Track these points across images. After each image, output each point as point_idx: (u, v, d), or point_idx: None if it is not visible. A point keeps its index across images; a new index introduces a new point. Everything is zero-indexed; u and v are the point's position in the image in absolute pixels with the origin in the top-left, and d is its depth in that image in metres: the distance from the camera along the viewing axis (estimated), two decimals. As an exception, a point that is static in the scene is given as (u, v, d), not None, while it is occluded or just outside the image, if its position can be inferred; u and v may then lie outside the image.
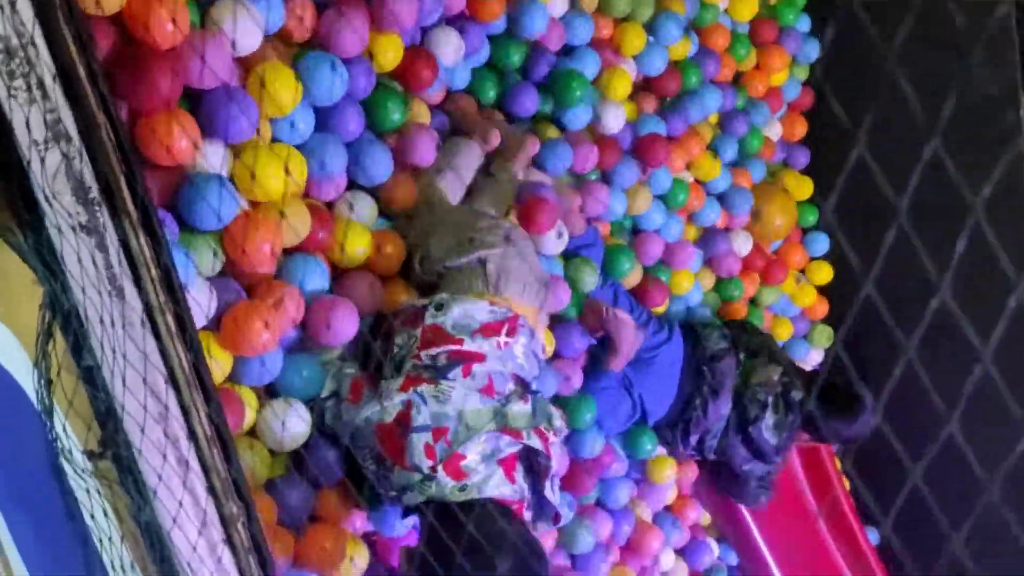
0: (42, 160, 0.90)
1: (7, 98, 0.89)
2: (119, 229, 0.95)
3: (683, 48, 2.19)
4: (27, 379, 1.06)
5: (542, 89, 1.93)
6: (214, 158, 1.32)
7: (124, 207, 0.95)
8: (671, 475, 2.21)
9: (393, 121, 1.62)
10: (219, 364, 1.31)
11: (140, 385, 0.99)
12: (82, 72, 0.91)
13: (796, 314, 2.65)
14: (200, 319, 1.29)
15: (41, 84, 0.89)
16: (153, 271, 0.97)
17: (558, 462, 1.49)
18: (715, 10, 2.28)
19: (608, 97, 2.02)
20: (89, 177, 0.93)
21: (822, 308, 2.69)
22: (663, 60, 2.14)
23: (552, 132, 1.94)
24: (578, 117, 1.97)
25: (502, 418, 1.36)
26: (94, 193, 0.93)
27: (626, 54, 2.08)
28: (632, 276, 2.09)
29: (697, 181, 2.28)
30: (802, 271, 2.66)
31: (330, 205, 1.54)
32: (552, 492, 1.43)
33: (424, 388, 1.35)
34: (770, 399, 2.14)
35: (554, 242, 1.81)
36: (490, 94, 1.87)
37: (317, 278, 1.46)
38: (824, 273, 2.67)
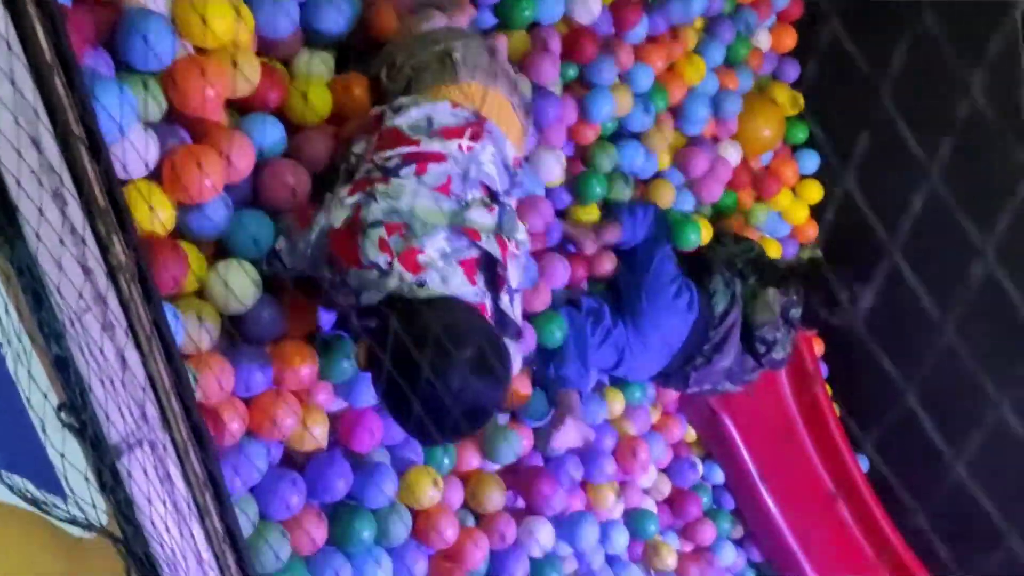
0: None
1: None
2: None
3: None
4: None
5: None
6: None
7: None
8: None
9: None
10: (160, 215, 1.25)
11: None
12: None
13: (786, 234, 2.59)
14: (139, 167, 1.24)
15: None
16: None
17: (518, 278, 1.40)
18: None
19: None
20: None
21: (812, 229, 2.63)
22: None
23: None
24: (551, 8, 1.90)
25: (460, 219, 1.28)
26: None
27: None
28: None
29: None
30: (792, 189, 2.60)
31: (287, 64, 1.49)
32: (510, 306, 1.35)
33: (373, 188, 1.28)
34: (778, 335, 2.12)
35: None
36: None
37: (272, 137, 1.40)
38: (814, 192, 2.61)
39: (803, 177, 2.61)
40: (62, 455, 0.95)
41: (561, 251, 1.94)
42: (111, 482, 0.92)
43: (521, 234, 1.39)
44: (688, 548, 2.39)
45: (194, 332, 1.27)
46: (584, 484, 2.02)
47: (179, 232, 1.34)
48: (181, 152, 1.26)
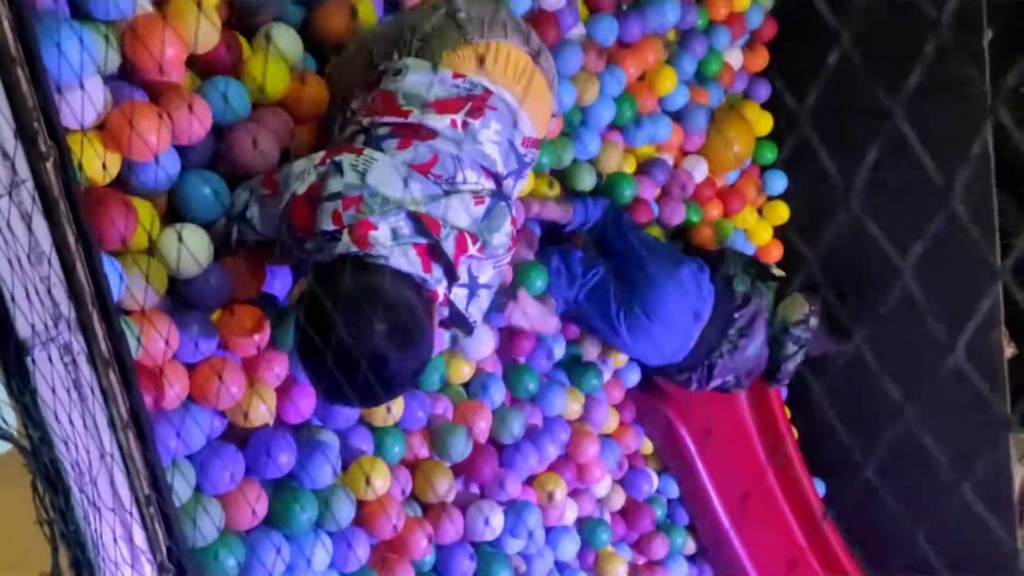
0: None
1: None
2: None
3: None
4: None
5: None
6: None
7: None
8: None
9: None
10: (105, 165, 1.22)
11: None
12: None
13: (750, 254, 2.60)
14: (90, 113, 1.22)
15: None
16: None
17: (489, 276, 1.35)
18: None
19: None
20: None
21: (776, 251, 2.64)
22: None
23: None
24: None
25: (428, 206, 1.23)
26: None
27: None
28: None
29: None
30: (759, 210, 2.62)
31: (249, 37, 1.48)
32: (465, 301, 1.32)
33: (343, 157, 1.24)
34: (808, 336, 2.13)
35: None
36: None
37: (235, 100, 1.38)
38: (780, 213, 2.63)
39: (770, 198, 2.63)
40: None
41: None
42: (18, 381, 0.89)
43: (500, 236, 1.31)
44: (640, 561, 2.36)
45: (138, 290, 1.24)
46: (534, 479, 1.99)
47: (130, 189, 1.32)
48: (127, 107, 1.24)
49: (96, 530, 1.00)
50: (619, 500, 2.28)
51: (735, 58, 2.50)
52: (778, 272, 2.32)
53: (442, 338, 1.73)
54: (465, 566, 1.77)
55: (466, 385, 1.90)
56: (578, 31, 2.05)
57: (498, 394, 1.90)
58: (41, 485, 0.92)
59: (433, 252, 1.24)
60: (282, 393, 1.52)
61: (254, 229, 1.32)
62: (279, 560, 1.47)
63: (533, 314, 1.87)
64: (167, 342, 1.22)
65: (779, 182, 2.62)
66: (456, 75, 1.34)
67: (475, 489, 1.87)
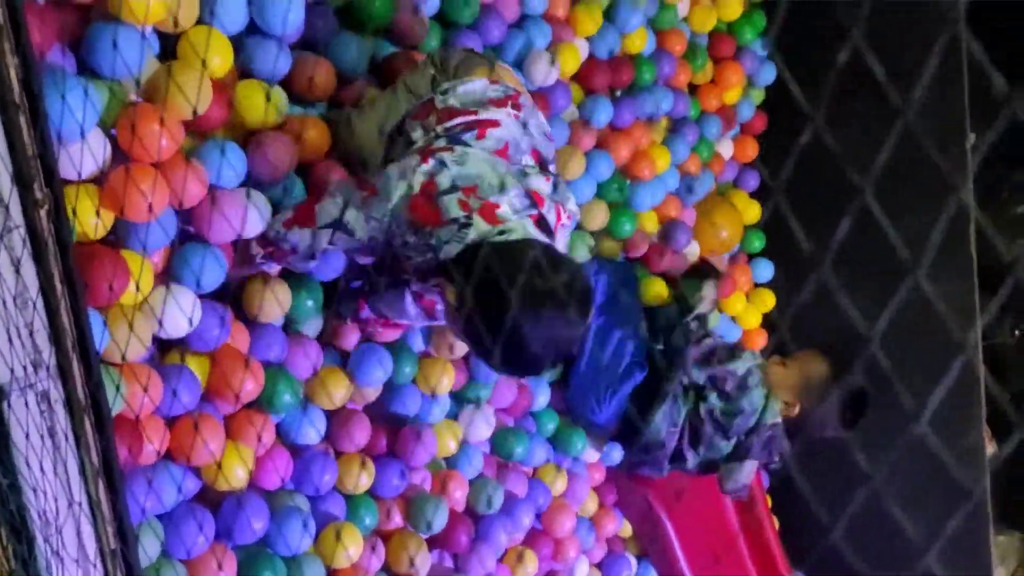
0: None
1: None
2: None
3: (639, 40, 2.21)
4: None
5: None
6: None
7: None
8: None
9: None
10: (98, 221, 1.23)
11: None
12: None
13: (736, 339, 2.62)
14: (90, 166, 1.23)
15: None
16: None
17: (564, 247, 1.44)
18: (673, 12, 2.32)
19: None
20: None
21: (760, 338, 2.66)
22: (616, 43, 2.15)
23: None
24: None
25: (525, 180, 1.34)
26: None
27: (580, 34, 2.09)
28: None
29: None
30: (746, 295, 2.65)
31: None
32: None
33: (442, 155, 1.32)
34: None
35: None
36: (432, 43, 1.85)
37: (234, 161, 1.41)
38: (768, 300, 2.65)
39: (757, 285, 2.66)
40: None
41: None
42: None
43: (572, 204, 1.45)
44: (617, 648, 2.30)
45: (124, 341, 1.24)
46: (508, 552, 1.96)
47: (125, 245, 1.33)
48: (123, 171, 1.26)
49: (58, 583, 0.97)
50: (596, 584, 2.24)
51: (725, 148, 2.56)
52: None
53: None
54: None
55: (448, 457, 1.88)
56: (570, 112, 2.10)
57: (478, 462, 1.88)
58: (5, 533, 0.90)
59: (541, 223, 1.32)
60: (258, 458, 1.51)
61: (350, 234, 1.34)
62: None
63: None
64: (146, 390, 1.22)
65: (766, 270, 2.65)
66: (492, 80, 1.50)
67: (448, 561, 1.84)
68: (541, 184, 1.36)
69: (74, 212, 1.07)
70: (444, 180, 1.28)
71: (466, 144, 1.36)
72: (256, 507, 1.47)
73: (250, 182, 1.45)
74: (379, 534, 1.73)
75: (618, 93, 2.23)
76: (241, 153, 1.44)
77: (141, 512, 1.31)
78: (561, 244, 1.40)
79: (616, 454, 2.25)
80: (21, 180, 0.88)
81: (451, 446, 1.82)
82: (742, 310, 2.58)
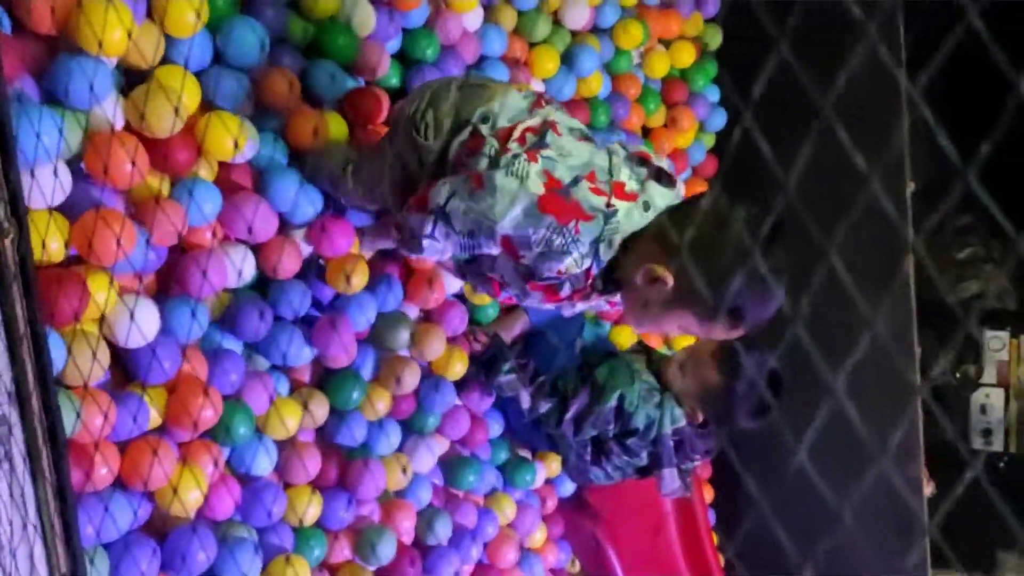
0: None
1: None
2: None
3: (595, 83, 2.28)
4: None
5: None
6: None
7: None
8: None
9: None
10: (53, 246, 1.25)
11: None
12: None
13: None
14: (58, 198, 1.24)
15: None
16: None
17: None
18: (628, 58, 2.39)
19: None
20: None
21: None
22: (572, 87, 2.21)
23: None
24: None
25: (616, 150, 1.31)
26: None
27: (537, 76, 2.15)
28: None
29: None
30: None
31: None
32: None
33: (545, 152, 1.27)
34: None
35: None
36: (392, 81, 1.90)
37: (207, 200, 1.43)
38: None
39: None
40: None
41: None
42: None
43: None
44: None
45: (82, 366, 1.25)
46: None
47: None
48: (93, 216, 1.27)
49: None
50: (543, 619, 2.25)
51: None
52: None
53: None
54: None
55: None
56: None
57: (426, 494, 1.89)
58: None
59: (660, 176, 1.31)
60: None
61: (449, 225, 1.30)
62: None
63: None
64: (106, 416, 1.22)
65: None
66: (518, 88, 1.44)
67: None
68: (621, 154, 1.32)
69: (43, 244, 1.08)
70: (564, 174, 1.24)
71: (550, 141, 1.30)
72: (203, 538, 1.47)
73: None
74: (327, 566, 1.73)
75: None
76: (215, 191, 1.46)
77: (95, 535, 1.31)
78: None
79: (567, 487, 2.28)
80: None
81: (400, 478, 1.83)
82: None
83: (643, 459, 2.06)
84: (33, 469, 0.90)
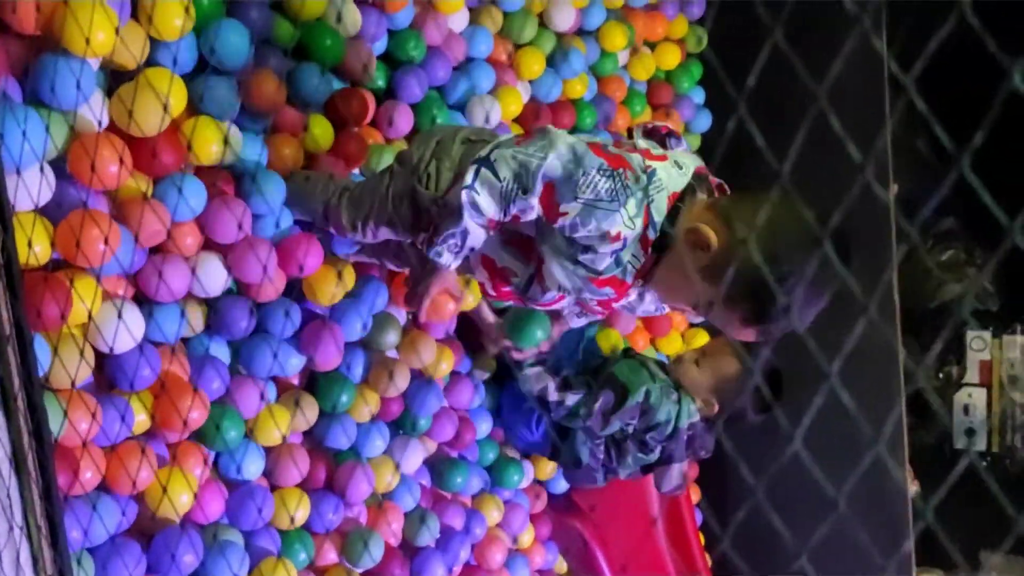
0: None
1: None
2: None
3: (581, 85, 2.28)
4: None
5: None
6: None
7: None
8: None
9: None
10: (37, 249, 1.24)
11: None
12: None
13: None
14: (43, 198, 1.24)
15: None
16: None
17: None
18: (614, 61, 2.40)
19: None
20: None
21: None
22: (558, 89, 2.22)
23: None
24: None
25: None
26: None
27: (523, 76, 2.16)
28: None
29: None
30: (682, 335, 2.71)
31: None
32: None
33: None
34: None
35: None
36: (379, 83, 1.89)
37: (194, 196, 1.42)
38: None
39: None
40: None
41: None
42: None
43: None
44: None
45: (71, 367, 1.24)
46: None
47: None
48: (78, 216, 1.27)
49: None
50: (531, 620, 2.24)
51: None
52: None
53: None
54: None
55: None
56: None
57: (415, 494, 1.89)
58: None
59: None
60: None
61: (495, 174, 1.22)
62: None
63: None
64: (94, 415, 1.21)
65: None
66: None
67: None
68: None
69: (29, 243, 1.07)
70: (598, 139, 1.25)
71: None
72: (189, 542, 1.46)
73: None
74: (313, 569, 1.73)
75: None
76: (200, 187, 1.46)
77: (82, 537, 1.30)
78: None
79: (560, 483, 2.29)
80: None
81: (389, 480, 1.83)
82: (678, 349, 2.64)
83: (655, 455, 2.09)
84: (19, 469, 0.89)
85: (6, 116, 1.15)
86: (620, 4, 2.42)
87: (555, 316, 1.75)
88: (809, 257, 1.07)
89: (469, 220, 1.25)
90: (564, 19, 2.24)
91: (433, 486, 1.99)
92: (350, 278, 1.73)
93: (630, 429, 2.04)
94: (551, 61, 2.23)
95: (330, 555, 1.74)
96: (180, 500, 1.43)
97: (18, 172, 1.20)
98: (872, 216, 2.32)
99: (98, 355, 1.37)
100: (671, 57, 2.56)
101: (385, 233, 1.52)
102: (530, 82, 2.18)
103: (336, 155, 1.75)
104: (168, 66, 1.47)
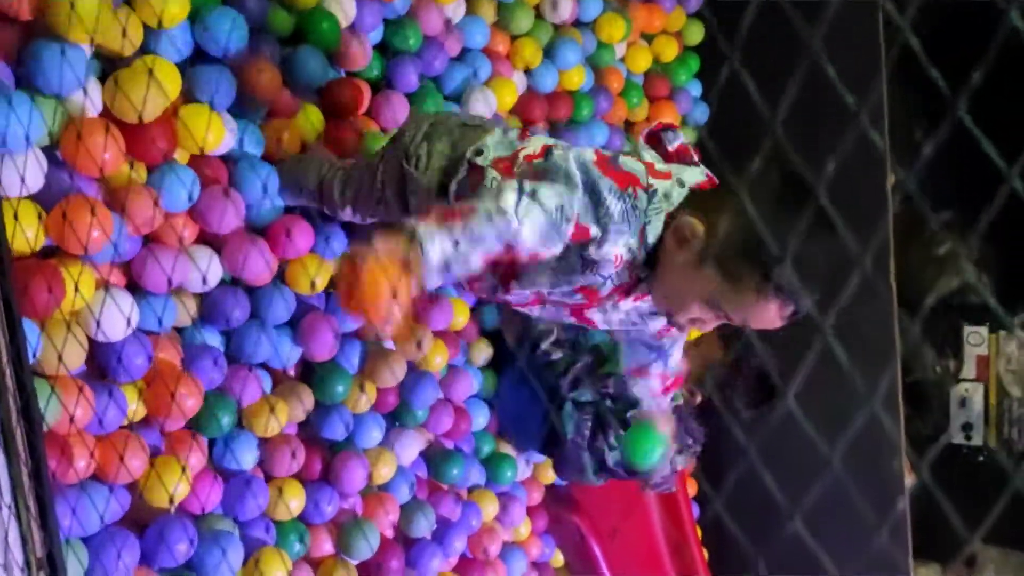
0: None
1: None
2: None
3: (578, 76, 2.28)
4: None
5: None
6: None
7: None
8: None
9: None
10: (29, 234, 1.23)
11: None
12: None
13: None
14: (34, 185, 1.23)
15: None
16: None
17: None
18: (611, 52, 2.39)
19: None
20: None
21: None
22: (554, 79, 2.21)
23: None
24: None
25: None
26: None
27: (518, 67, 2.15)
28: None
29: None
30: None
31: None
32: None
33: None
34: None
35: None
36: (374, 73, 1.88)
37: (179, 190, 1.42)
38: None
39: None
40: None
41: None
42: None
43: None
44: None
45: (64, 353, 1.24)
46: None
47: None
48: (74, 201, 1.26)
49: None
50: (527, 613, 2.24)
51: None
52: None
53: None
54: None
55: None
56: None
57: (408, 488, 1.88)
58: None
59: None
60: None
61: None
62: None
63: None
64: (87, 401, 1.21)
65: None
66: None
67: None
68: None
69: (15, 216, 1.06)
70: (607, 153, 1.22)
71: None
72: (183, 531, 1.45)
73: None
74: (309, 560, 1.72)
75: (556, 126, 2.28)
76: (193, 175, 1.45)
77: (75, 525, 1.30)
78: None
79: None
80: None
81: (384, 472, 1.82)
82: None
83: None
84: (7, 449, 0.88)
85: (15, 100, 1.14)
86: (618, -4, 2.42)
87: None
88: (790, 207, 1.03)
89: (502, 235, 1.07)
90: (561, 10, 2.23)
91: (430, 477, 1.98)
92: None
93: (607, 402, 2.02)
94: (548, 52, 2.22)
95: (326, 546, 1.74)
96: (174, 489, 1.42)
97: (10, 158, 1.19)
98: (872, 201, 2.32)
99: (90, 343, 1.36)
100: (668, 50, 2.56)
101: (376, 215, 1.51)
102: (526, 72, 2.18)
103: (330, 144, 1.74)
104: (162, 53, 1.46)
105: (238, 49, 1.56)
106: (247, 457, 1.60)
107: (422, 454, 1.95)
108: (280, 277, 1.64)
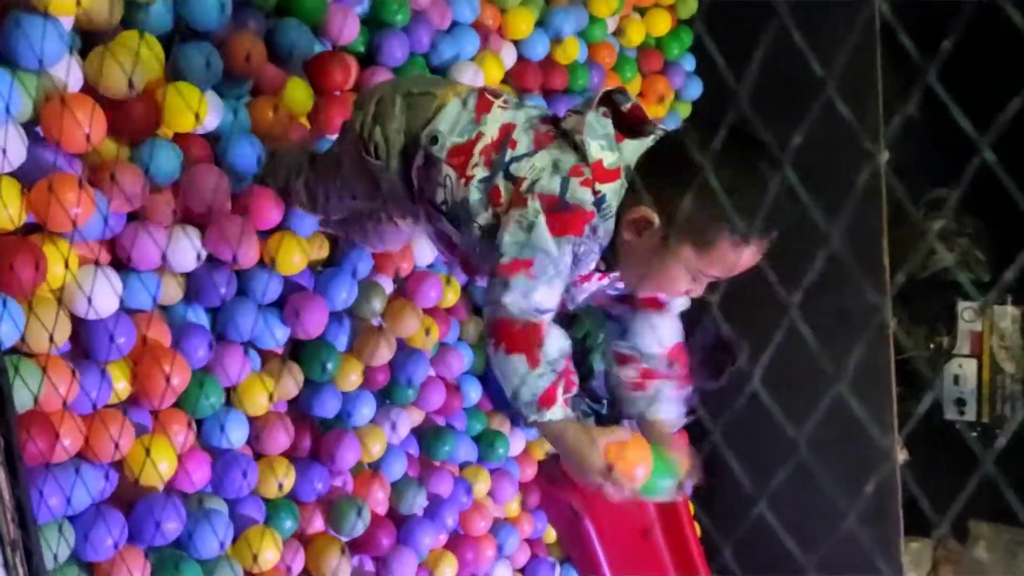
0: None
1: None
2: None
3: (572, 48, 2.25)
4: None
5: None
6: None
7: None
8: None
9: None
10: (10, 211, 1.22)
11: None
12: None
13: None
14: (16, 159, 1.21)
15: None
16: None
17: None
18: (603, 27, 2.37)
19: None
20: None
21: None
22: (545, 47, 2.19)
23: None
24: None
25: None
26: None
27: (510, 36, 2.13)
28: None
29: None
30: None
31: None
32: None
33: (521, 173, 1.22)
34: None
35: None
36: (360, 48, 1.86)
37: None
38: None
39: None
40: None
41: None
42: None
43: None
44: (538, 653, 2.31)
45: (41, 332, 1.22)
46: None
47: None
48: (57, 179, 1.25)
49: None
50: (518, 589, 2.24)
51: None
52: None
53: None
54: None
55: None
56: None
57: (401, 465, 1.87)
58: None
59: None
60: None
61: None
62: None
63: None
64: (79, 383, 1.20)
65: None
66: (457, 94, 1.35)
67: (369, 566, 1.83)
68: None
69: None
70: (549, 183, 1.19)
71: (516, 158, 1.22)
72: (172, 509, 1.45)
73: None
74: (299, 538, 1.72)
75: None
76: (177, 152, 1.44)
77: (64, 505, 1.30)
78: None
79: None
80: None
81: (375, 450, 1.81)
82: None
83: (604, 407, 2.08)
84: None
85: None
86: (609, -31, 2.38)
87: None
88: (734, 155, 0.94)
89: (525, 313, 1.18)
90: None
91: (421, 454, 1.97)
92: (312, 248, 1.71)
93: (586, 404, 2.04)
94: (541, 23, 2.19)
95: (317, 523, 1.74)
96: (162, 468, 1.42)
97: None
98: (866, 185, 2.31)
99: (74, 321, 1.35)
100: (661, 24, 2.53)
101: (348, 206, 1.51)
102: (515, 43, 2.15)
103: (316, 121, 1.72)
104: (144, 27, 1.44)
105: (221, 23, 1.53)
106: (236, 435, 1.59)
107: (413, 431, 1.94)
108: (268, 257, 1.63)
